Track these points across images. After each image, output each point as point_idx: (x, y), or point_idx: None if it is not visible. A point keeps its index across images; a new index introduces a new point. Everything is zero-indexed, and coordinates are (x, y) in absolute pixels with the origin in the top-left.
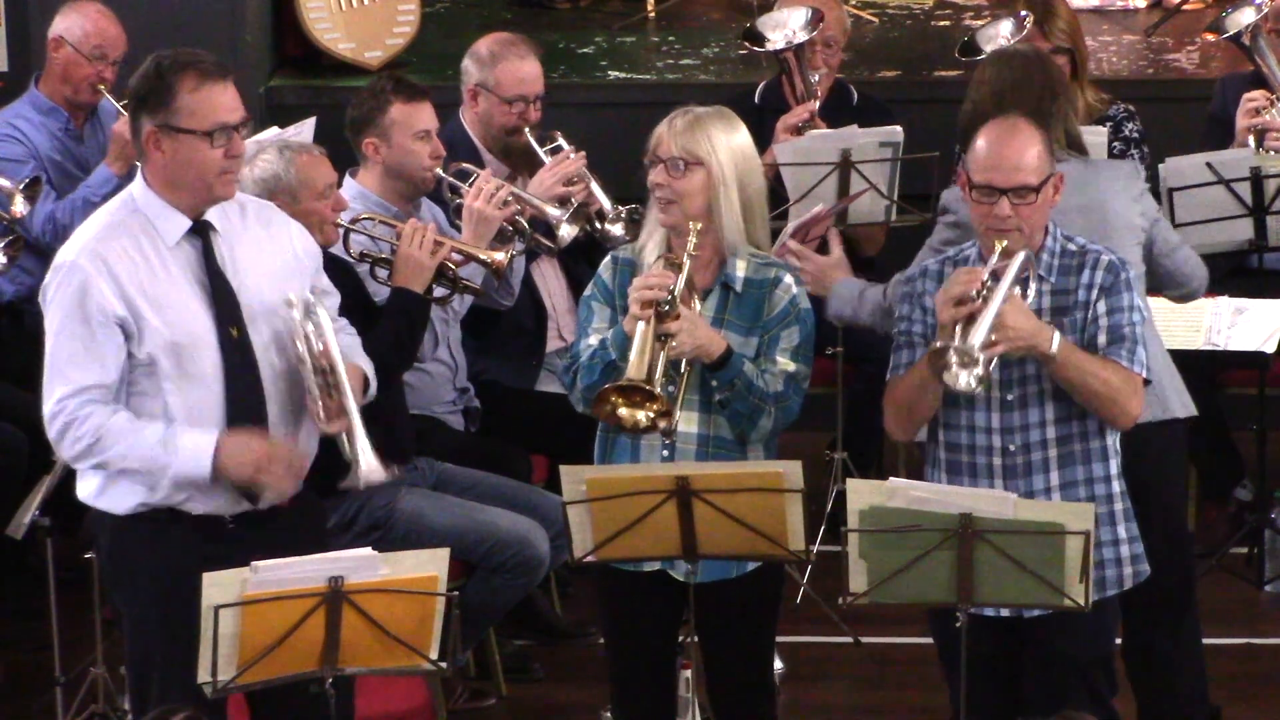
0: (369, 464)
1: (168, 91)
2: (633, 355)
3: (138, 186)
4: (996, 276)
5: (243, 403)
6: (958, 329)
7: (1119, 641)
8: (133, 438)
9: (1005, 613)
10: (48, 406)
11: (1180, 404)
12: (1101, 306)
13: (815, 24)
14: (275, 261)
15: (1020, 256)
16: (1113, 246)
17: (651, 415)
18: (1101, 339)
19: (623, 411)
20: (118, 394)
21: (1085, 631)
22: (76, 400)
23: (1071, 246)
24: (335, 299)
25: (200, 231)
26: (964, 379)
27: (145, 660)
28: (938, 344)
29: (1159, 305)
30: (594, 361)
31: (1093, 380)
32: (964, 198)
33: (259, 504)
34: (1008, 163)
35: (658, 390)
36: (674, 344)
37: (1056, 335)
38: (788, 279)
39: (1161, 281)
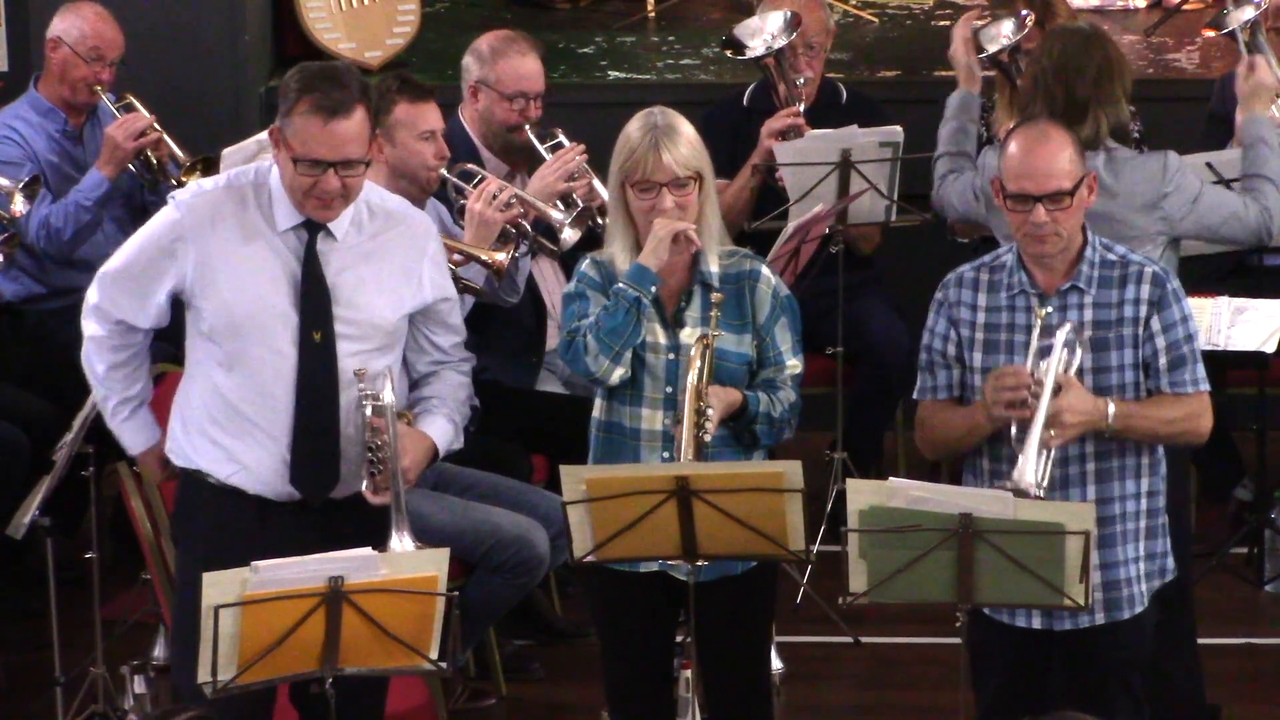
0: (404, 544)
1: (290, 101)
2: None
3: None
4: (1045, 352)
5: (312, 410)
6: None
7: None
8: (100, 387)
9: (1036, 624)
10: (95, 284)
11: None
12: (1156, 324)
13: (793, 27)
14: (393, 277)
15: (1063, 334)
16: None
17: None
18: (1162, 361)
19: None
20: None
21: (1135, 637)
22: (109, 316)
23: (1111, 256)
24: (456, 337)
25: (310, 227)
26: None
27: (187, 627)
28: (1008, 483)
29: None
30: (612, 310)
31: (1159, 428)
32: (998, 205)
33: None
34: (1040, 170)
35: None
36: (706, 433)
37: (1111, 406)
38: (764, 270)
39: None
